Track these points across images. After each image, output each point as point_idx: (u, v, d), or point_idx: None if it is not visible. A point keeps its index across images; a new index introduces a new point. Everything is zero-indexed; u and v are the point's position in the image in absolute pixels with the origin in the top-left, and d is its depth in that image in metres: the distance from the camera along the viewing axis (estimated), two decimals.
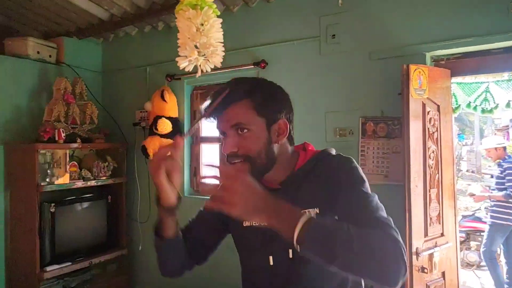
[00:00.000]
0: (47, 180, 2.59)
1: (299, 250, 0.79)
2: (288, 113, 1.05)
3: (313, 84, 2.36)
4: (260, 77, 1.07)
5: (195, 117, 2.96)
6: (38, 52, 2.94)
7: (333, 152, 1.09)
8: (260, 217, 0.82)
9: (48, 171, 2.62)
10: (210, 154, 2.96)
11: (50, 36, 3.22)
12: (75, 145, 2.70)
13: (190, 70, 1.60)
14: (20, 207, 2.62)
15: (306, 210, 0.95)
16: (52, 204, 2.61)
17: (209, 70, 1.59)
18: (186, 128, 2.92)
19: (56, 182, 2.62)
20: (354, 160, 1.03)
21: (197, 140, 2.97)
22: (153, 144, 2.71)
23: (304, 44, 2.39)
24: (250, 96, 0.99)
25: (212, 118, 1.01)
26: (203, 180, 2.91)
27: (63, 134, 2.62)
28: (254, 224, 1.06)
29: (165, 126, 2.67)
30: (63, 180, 2.67)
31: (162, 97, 2.75)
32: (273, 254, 1.03)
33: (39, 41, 2.95)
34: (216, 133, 1.07)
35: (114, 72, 3.33)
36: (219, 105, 0.96)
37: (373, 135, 2.17)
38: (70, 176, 2.70)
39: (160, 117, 2.72)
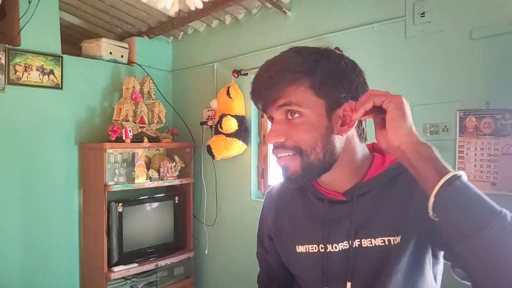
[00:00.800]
0: (115, 179, 2.58)
1: (432, 209, 0.61)
2: (358, 95, 0.76)
3: (397, 72, 2.00)
4: (327, 48, 0.80)
5: (262, 115, 2.76)
6: (110, 53, 2.97)
7: None
8: (411, 137, 0.67)
9: (116, 170, 2.61)
10: None
11: (124, 37, 3.27)
12: (141, 144, 2.67)
13: (169, 7, 1.18)
14: (90, 206, 2.65)
15: (385, 238, 0.76)
16: (120, 204, 2.59)
17: (199, 5, 1.17)
18: (253, 126, 2.73)
19: (123, 182, 2.60)
20: None
21: (265, 140, 2.76)
22: (218, 144, 2.56)
23: (386, 27, 2.04)
24: (307, 70, 0.74)
25: (259, 100, 0.79)
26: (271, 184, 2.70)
27: (130, 134, 2.59)
28: (309, 251, 0.85)
29: (230, 124, 2.50)
30: (131, 180, 2.65)
31: (228, 94, 2.59)
32: (328, 285, 0.82)
33: (111, 42, 2.99)
34: None
35: (183, 70, 3.27)
36: (265, 80, 0.76)
37: (475, 132, 1.75)
38: (138, 176, 2.67)
39: (225, 115, 2.56)
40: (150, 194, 2.88)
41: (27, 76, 2.52)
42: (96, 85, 2.87)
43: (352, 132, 0.80)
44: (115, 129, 2.54)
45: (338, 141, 0.78)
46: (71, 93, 2.73)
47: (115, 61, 3.00)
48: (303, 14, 2.40)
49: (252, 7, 2.65)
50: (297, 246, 0.87)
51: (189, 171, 3.01)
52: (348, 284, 0.79)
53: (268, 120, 0.83)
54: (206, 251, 2.98)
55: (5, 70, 2.43)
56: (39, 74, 2.57)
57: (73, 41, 3.22)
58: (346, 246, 0.80)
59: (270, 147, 2.53)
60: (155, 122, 2.88)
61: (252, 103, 0.84)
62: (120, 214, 2.58)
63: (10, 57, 2.45)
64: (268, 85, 0.76)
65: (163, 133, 2.90)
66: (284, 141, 0.77)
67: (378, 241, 0.77)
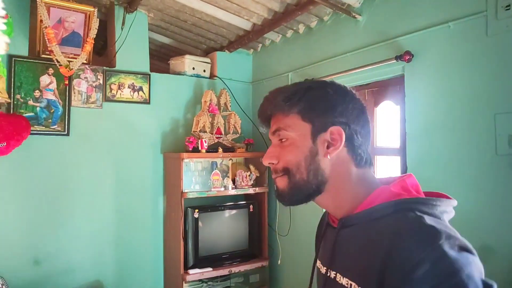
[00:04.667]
0: (192, 187, 2.75)
1: None
2: (348, 120, 0.79)
3: (476, 76, 1.73)
4: (314, 79, 0.90)
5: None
6: (193, 68, 3.19)
7: (424, 219, 0.65)
8: None
9: (193, 178, 2.78)
10: (387, 170, 2.43)
11: (209, 52, 3.48)
12: (216, 154, 2.79)
13: None
14: (171, 211, 2.86)
15: (350, 282, 0.72)
16: (196, 210, 2.75)
17: None
18: None
19: (200, 190, 2.76)
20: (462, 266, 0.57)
21: (372, 152, 2.63)
22: None
23: (463, 25, 1.79)
24: (296, 98, 0.81)
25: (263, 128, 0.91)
26: None
27: (205, 144, 2.74)
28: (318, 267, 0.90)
29: None
30: (208, 187, 2.79)
31: None
32: None
33: (194, 58, 3.21)
34: (392, 143, 0.90)
35: (261, 81, 3.34)
36: (262, 111, 0.88)
37: None
38: (213, 184, 2.80)
39: None
40: (226, 202, 2.99)
41: (120, 93, 2.86)
42: (180, 99, 3.11)
43: (345, 156, 0.80)
44: (191, 140, 2.72)
45: (325, 163, 0.79)
46: (157, 107, 3.00)
47: (197, 76, 3.21)
48: (374, 18, 2.26)
49: (324, 14, 2.58)
50: (318, 261, 0.91)
51: (264, 180, 3.05)
52: None
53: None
54: (279, 262, 2.97)
55: (103, 89, 2.79)
56: (130, 91, 2.89)
57: (166, 58, 3.54)
58: (326, 271, 0.83)
59: (379, 159, 2.40)
60: (231, 132, 2.99)
61: None
62: (196, 220, 2.74)
63: (107, 78, 2.81)
64: (264, 115, 0.87)
65: (238, 143, 3.00)
66: (276, 163, 0.83)
67: (344, 281, 0.75)
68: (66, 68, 2.47)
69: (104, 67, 2.81)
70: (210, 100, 2.92)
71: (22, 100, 2.53)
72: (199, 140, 2.74)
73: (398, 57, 2.02)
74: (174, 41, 3.43)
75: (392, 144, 2.31)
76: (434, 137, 1.89)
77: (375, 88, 2.43)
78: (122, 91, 2.86)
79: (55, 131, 2.63)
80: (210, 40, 3.31)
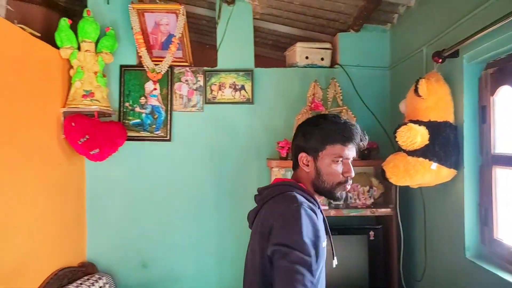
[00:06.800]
0: None
1: None
2: None
3: None
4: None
5: (483, 115, 1.63)
6: (306, 58, 2.65)
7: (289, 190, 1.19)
8: None
9: None
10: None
11: (333, 35, 2.85)
12: None
13: None
14: None
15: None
16: None
17: None
18: (467, 138, 1.67)
19: None
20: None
21: (488, 162, 1.62)
22: (394, 166, 1.72)
23: None
24: None
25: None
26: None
27: None
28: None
29: (409, 136, 1.62)
30: None
31: (416, 90, 1.70)
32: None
33: (307, 46, 2.66)
34: None
35: (398, 65, 2.48)
36: (364, 140, 1.26)
37: None
38: None
39: (409, 122, 1.69)
40: (334, 223, 2.32)
41: (221, 94, 2.62)
42: (288, 95, 2.63)
43: None
44: (282, 145, 2.21)
45: None
46: (261, 107, 2.62)
47: (312, 66, 2.65)
48: None
49: None
50: (322, 243, 1.12)
51: (390, 199, 2.22)
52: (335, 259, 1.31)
53: (343, 157, 1.20)
54: None
55: (203, 91, 2.63)
56: (232, 91, 2.62)
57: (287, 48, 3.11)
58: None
59: (499, 173, 1.53)
60: None
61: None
62: None
63: (207, 78, 2.62)
64: (364, 141, 1.28)
65: None
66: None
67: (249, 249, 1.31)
68: (152, 72, 2.41)
69: (204, 68, 2.64)
70: (313, 94, 2.33)
71: (130, 108, 2.62)
72: None
73: None
74: (292, 28, 2.96)
75: None
76: None
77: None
78: (223, 92, 2.62)
79: (158, 137, 2.62)
80: (330, 21, 2.69)
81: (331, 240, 1.24)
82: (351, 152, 1.19)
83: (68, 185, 2.39)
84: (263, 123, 2.62)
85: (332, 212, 2.19)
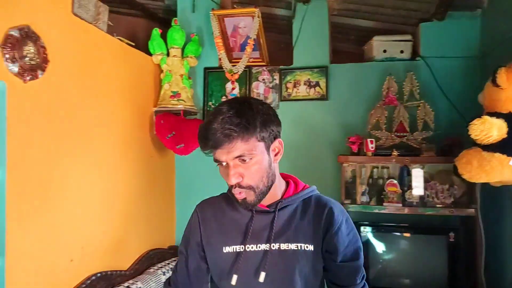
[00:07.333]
0: (356, 198, 2.23)
1: None
2: (279, 130, 1.04)
3: None
4: (250, 98, 1.06)
5: None
6: (384, 51, 2.57)
7: (323, 196, 1.12)
8: None
9: (360, 187, 2.24)
10: None
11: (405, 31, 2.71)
12: (384, 158, 2.13)
13: None
14: None
15: (299, 244, 1.03)
16: (365, 227, 2.20)
17: None
18: None
19: (366, 202, 2.20)
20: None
21: None
22: (467, 161, 1.61)
23: None
24: (250, 126, 0.94)
25: (208, 149, 0.98)
26: None
27: (371, 145, 2.15)
28: (233, 251, 1.06)
29: (483, 130, 1.50)
30: (380, 201, 2.19)
31: (494, 80, 1.57)
32: (239, 274, 1.03)
33: (385, 38, 2.58)
34: None
35: (491, 53, 2.27)
36: (215, 139, 0.93)
37: None
38: (387, 198, 2.16)
39: (486, 114, 1.57)
40: (410, 222, 2.23)
41: (296, 92, 2.69)
42: (363, 90, 2.58)
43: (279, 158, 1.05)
44: (353, 140, 2.20)
45: (275, 166, 1.04)
46: (336, 103, 2.63)
47: (391, 59, 2.57)
48: None
49: None
50: (223, 248, 1.06)
51: (475, 199, 2.06)
52: (262, 274, 1.00)
53: (216, 161, 0.99)
54: None
55: (279, 89, 2.73)
56: (306, 88, 2.67)
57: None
58: (266, 247, 1.03)
59: None
60: (420, 129, 2.20)
61: None
62: (364, 240, 2.19)
63: (282, 77, 2.72)
64: (219, 143, 0.93)
65: (428, 145, 2.17)
66: (240, 181, 0.97)
67: (293, 246, 1.02)
68: (230, 73, 2.59)
69: (280, 66, 2.73)
70: (388, 88, 2.26)
71: (213, 106, 2.84)
72: (365, 141, 2.18)
73: None
74: (371, 21, 2.89)
75: None
76: None
77: None
78: (297, 89, 2.69)
79: None
80: (410, 11, 2.57)
81: (246, 248, 1.03)
82: (219, 156, 0.95)
83: (159, 175, 2.70)
84: (337, 119, 2.62)
85: (406, 210, 2.11)
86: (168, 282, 1.17)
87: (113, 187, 2.15)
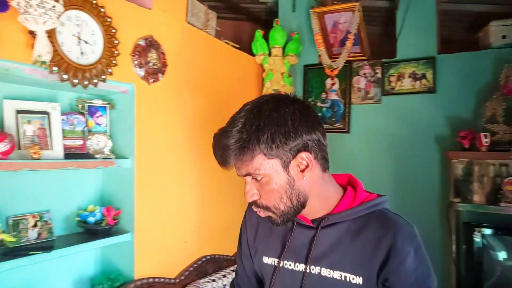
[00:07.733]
0: (469, 196, 2.06)
1: None
2: (309, 133, 0.82)
3: None
4: (267, 102, 0.84)
5: None
6: (503, 37, 2.32)
7: (390, 213, 0.90)
8: None
9: (474, 185, 2.07)
10: None
11: None
12: (503, 155, 1.93)
13: None
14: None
15: (344, 274, 0.84)
16: (478, 229, 2.03)
17: None
18: None
19: (480, 202, 2.02)
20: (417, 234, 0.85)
21: None
22: None
23: None
24: (253, 141, 0.80)
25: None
26: None
27: (485, 140, 1.97)
28: (270, 263, 0.98)
29: None
30: (496, 201, 1.99)
31: None
32: None
33: (504, 23, 2.33)
34: None
35: None
36: (220, 157, 0.84)
37: None
38: (504, 198, 1.96)
39: None
40: None
41: (400, 85, 2.59)
42: (476, 81, 2.36)
43: (315, 167, 0.85)
44: (463, 134, 2.04)
45: (302, 184, 0.85)
46: (445, 96, 2.45)
47: (510, 46, 2.31)
48: None
49: None
50: (264, 257, 0.99)
51: None
52: None
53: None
54: None
55: (381, 83, 2.65)
56: (411, 81, 2.55)
57: None
58: (302, 268, 0.90)
59: None
60: None
61: None
62: (478, 244, 2.02)
63: (385, 70, 2.63)
64: (224, 161, 0.83)
65: None
66: (257, 199, 0.86)
67: (336, 274, 0.84)
68: (329, 68, 2.60)
69: (383, 60, 2.65)
70: (507, 77, 2.04)
71: (313, 103, 2.89)
72: (478, 135, 2.00)
73: None
74: (487, 5, 2.63)
75: None
76: None
77: None
78: (402, 82, 2.58)
79: (338, 129, 2.79)
80: None
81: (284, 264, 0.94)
82: (237, 170, 0.86)
83: None
84: (445, 112, 2.44)
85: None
86: (232, 285, 1.16)
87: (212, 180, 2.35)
